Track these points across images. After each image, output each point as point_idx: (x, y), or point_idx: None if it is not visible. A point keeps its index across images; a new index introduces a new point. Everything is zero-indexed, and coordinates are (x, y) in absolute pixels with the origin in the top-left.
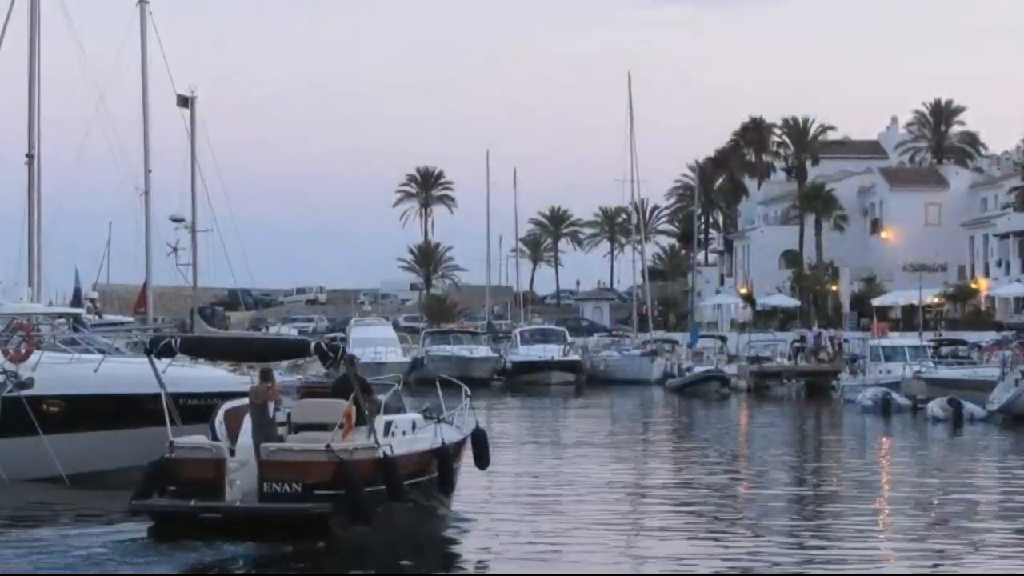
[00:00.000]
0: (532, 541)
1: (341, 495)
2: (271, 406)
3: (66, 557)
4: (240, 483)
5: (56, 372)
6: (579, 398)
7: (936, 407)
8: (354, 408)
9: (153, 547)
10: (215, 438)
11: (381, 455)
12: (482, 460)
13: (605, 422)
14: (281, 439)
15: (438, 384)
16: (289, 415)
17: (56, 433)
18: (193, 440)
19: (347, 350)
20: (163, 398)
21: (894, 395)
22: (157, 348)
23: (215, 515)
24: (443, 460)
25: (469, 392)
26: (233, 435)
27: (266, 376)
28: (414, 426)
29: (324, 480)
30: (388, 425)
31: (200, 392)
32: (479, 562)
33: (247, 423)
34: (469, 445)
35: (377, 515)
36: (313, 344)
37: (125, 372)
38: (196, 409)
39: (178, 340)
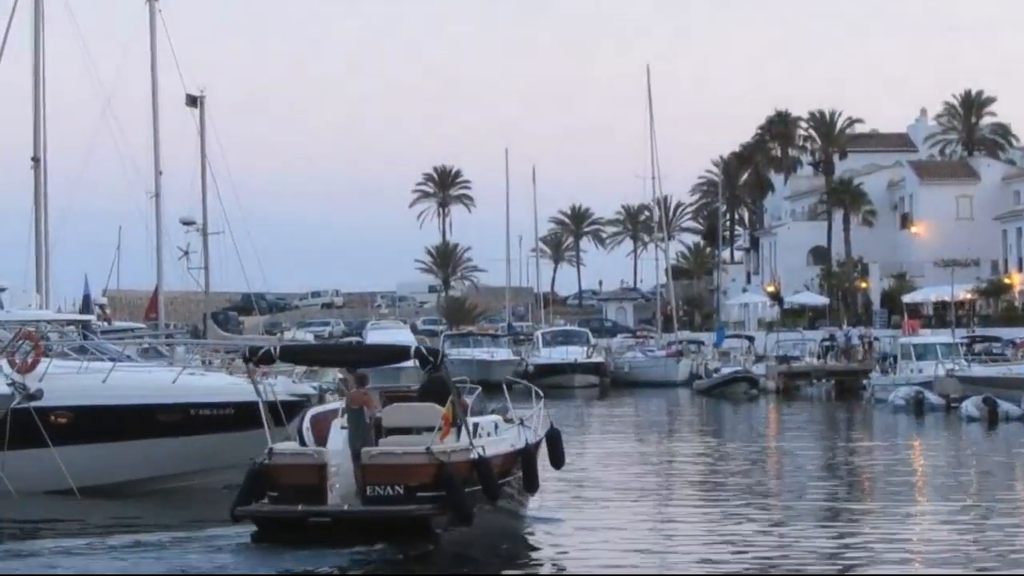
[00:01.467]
0: (619, 539)
1: (442, 496)
2: (367, 411)
3: (179, 561)
4: (339, 487)
5: (65, 382)
6: (603, 401)
7: (970, 406)
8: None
9: (261, 551)
10: (303, 443)
11: (476, 456)
12: (557, 459)
13: (638, 426)
14: (375, 444)
15: (504, 387)
16: (379, 419)
17: (65, 445)
18: (291, 446)
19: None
20: (260, 406)
21: (927, 394)
22: (256, 356)
23: (324, 519)
24: (527, 460)
25: (542, 394)
26: (320, 440)
27: (362, 381)
28: (496, 427)
29: (425, 482)
30: (475, 427)
31: (212, 402)
32: (572, 559)
33: (335, 428)
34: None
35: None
36: (413, 348)
37: (136, 381)
38: (208, 419)
39: (277, 348)
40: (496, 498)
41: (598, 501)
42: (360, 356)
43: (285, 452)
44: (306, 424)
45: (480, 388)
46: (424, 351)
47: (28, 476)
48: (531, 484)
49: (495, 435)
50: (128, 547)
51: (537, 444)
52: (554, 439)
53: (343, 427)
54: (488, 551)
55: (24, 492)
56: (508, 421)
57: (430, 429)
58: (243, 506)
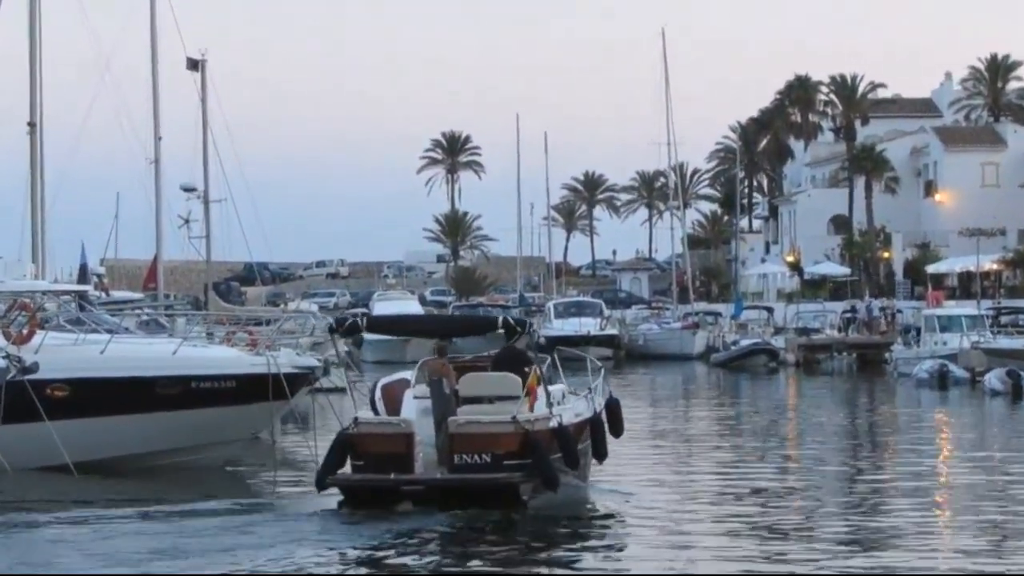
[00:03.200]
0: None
1: (527, 464)
2: (446, 381)
3: (273, 529)
4: (422, 456)
5: (61, 354)
6: (618, 374)
7: (995, 379)
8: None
9: (352, 519)
10: (376, 413)
11: (556, 424)
12: (617, 428)
13: (657, 400)
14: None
15: (556, 357)
16: (456, 390)
17: (61, 419)
18: (375, 416)
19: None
20: (345, 376)
21: (951, 367)
22: (343, 327)
23: (417, 487)
24: (596, 428)
25: (599, 364)
26: (392, 410)
27: (442, 352)
28: (563, 396)
29: (512, 450)
30: (547, 396)
31: (214, 375)
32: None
33: (407, 398)
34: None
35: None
36: (501, 319)
37: (135, 353)
38: (209, 392)
39: (364, 319)
40: (576, 466)
41: (651, 475)
42: (449, 326)
43: (372, 421)
44: (378, 394)
45: (549, 359)
46: (512, 321)
47: (23, 451)
48: (600, 452)
49: (563, 404)
50: (210, 526)
51: (601, 413)
52: (614, 408)
53: (415, 397)
54: (574, 518)
55: (18, 468)
56: (572, 393)
57: (504, 398)
58: (329, 475)
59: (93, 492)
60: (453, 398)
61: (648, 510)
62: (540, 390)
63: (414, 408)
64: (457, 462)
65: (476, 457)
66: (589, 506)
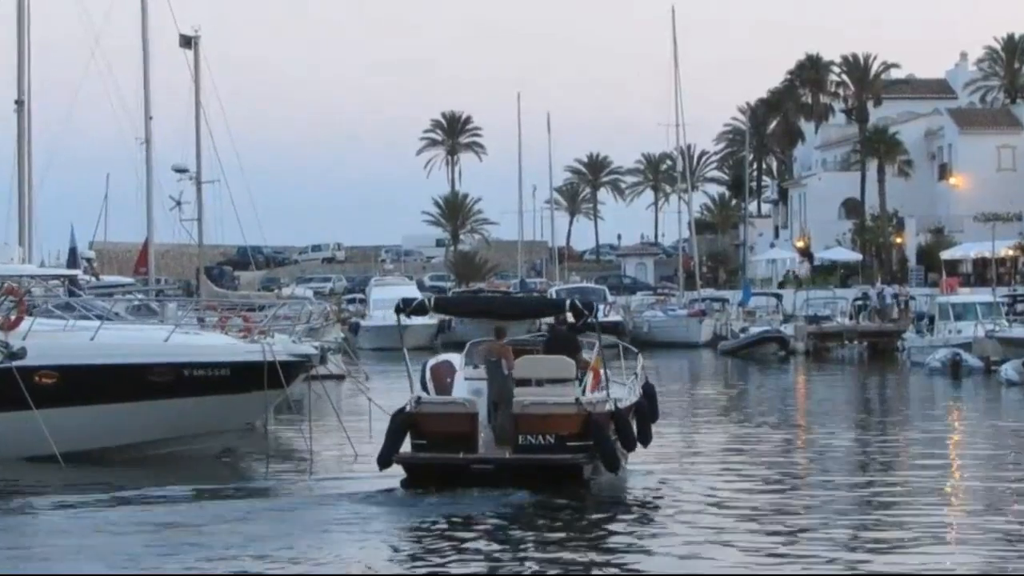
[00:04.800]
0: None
1: (589, 445)
2: (505, 362)
3: (344, 511)
4: (483, 436)
5: (50, 340)
6: (621, 363)
7: (1010, 369)
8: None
9: (417, 497)
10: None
11: (613, 407)
12: (653, 413)
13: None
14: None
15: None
16: (509, 372)
17: (50, 407)
18: (438, 396)
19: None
20: (404, 357)
21: (964, 357)
22: (410, 308)
23: (486, 466)
24: (640, 413)
25: (636, 350)
26: (442, 391)
27: (501, 334)
28: (608, 381)
29: (575, 432)
30: (607, 379)
31: (207, 362)
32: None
33: (459, 379)
34: None
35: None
36: (568, 302)
37: (125, 340)
38: (202, 380)
39: (431, 299)
40: (632, 448)
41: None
42: (516, 308)
43: (435, 401)
44: (427, 376)
45: (598, 343)
46: (579, 304)
47: (9, 441)
48: (645, 436)
49: (608, 389)
50: (282, 508)
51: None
52: (650, 393)
53: (467, 378)
54: (637, 500)
55: (4, 458)
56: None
57: (555, 381)
58: (392, 454)
59: (82, 483)
60: (510, 379)
61: (690, 495)
62: (603, 373)
63: (465, 389)
64: (522, 442)
65: (540, 438)
66: (632, 489)
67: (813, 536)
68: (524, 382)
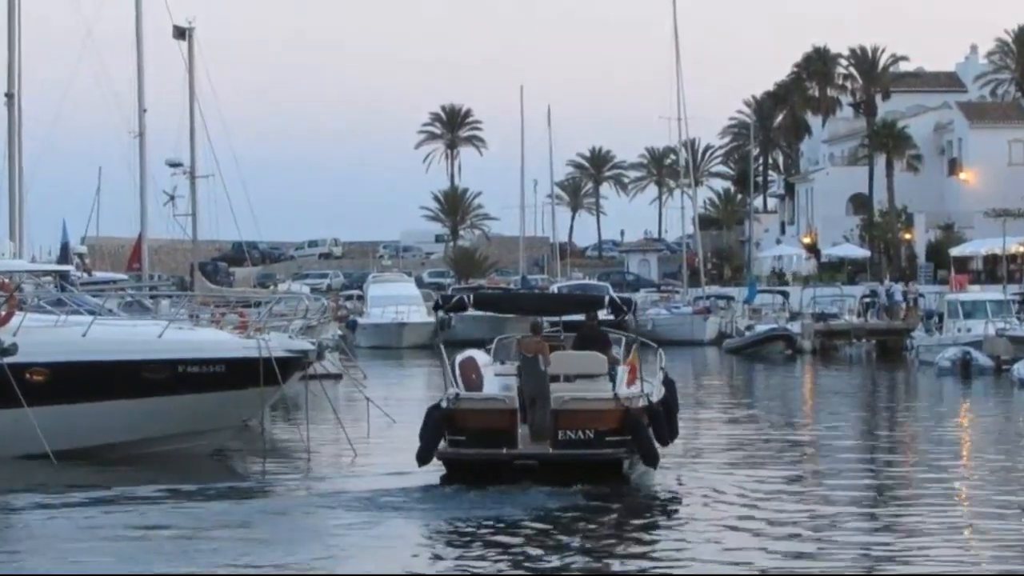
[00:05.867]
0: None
1: (628, 440)
2: (541, 358)
3: (382, 504)
4: (521, 431)
5: (41, 337)
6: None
7: (1022, 368)
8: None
9: (460, 492)
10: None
11: (647, 403)
12: (675, 406)
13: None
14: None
15: (624, 342)
16: (546, 368)
17: (41, 405)
18: (476, 392)
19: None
20: (441, 353)
21: (975, 355)
22: (450, 304)
23: (530, 461)
24: (668, 408)
25: (656, 344)
26: (471, 387)
27: (536, 330)
28: None
29: (613, 427)
30: (641, 375)
31: (201, 359)
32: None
33: (489, 375)
34: None
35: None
36: (607, 298)
37: (118, 336)
38: (196, 377)
39: (471, 296)
40: (666, 443)
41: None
42: (555, 305)
43: (474, 397)
44: (457, 372)
45: (624, 338)
46: (618, 300)
47: (0, 439)
48: (672, 431)
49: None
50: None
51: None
52: (672, 388)
53: (497, 374)
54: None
55: None
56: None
57: (585, 376)
58: (432, 450)
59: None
60: (545, 375)
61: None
62: (638, 368)
63: (497, 385)
64: (561, 438)
65: (580, 433)
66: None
67: (831, 537)
68: (554, 378)
